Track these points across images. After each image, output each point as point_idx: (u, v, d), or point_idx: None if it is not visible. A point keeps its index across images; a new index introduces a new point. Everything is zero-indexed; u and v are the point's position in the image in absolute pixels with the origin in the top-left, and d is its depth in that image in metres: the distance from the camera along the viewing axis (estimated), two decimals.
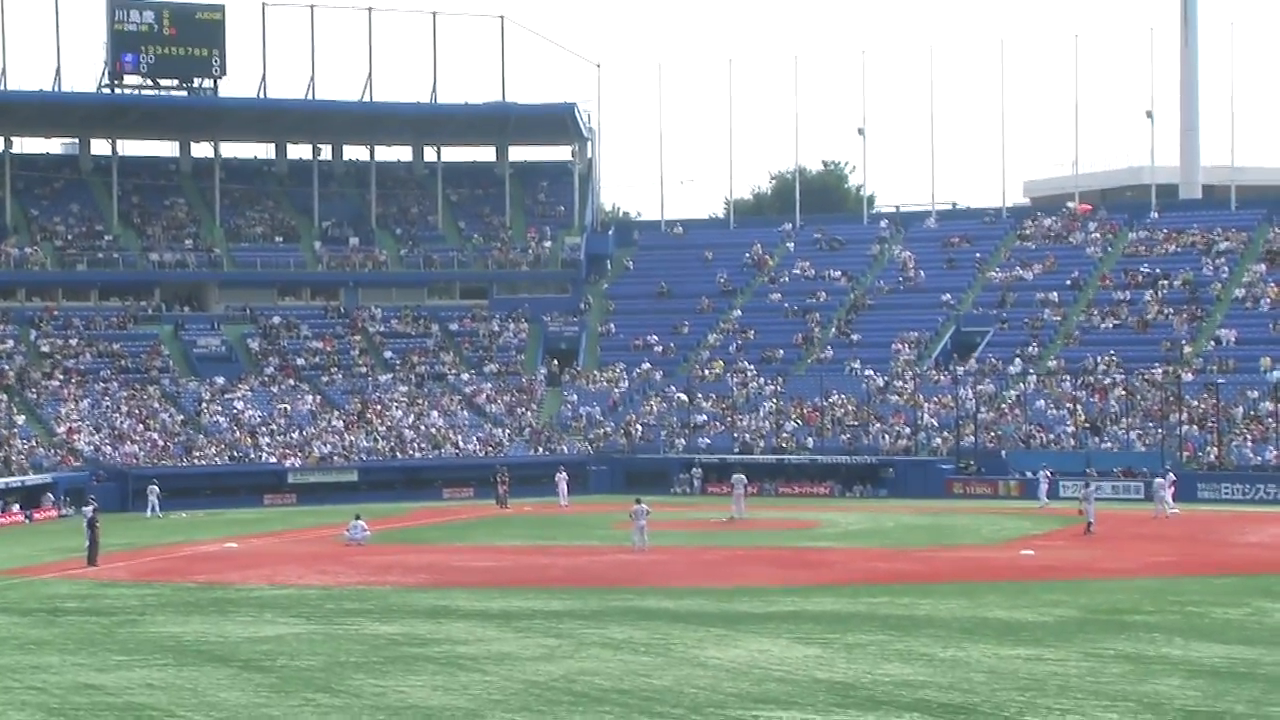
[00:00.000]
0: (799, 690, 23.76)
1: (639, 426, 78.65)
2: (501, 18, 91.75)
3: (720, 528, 56.22)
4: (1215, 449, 67.41)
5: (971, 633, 29.37)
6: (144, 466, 70.05)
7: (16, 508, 64.45)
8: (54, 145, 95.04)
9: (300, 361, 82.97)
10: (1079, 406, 72.28)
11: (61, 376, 77.84)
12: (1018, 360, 77.91)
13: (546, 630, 30.52)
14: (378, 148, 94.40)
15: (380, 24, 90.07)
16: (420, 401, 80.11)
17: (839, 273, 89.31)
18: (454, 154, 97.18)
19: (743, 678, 24.82)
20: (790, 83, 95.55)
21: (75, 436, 72.14)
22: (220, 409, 76.92)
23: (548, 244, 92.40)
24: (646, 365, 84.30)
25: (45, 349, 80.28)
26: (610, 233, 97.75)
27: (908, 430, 73.74)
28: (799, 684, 24.26)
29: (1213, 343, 75.79)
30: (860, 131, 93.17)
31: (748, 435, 76.30)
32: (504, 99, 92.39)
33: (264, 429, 75.23)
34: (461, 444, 76.45)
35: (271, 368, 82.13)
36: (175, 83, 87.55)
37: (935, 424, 74.19)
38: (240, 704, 23.27)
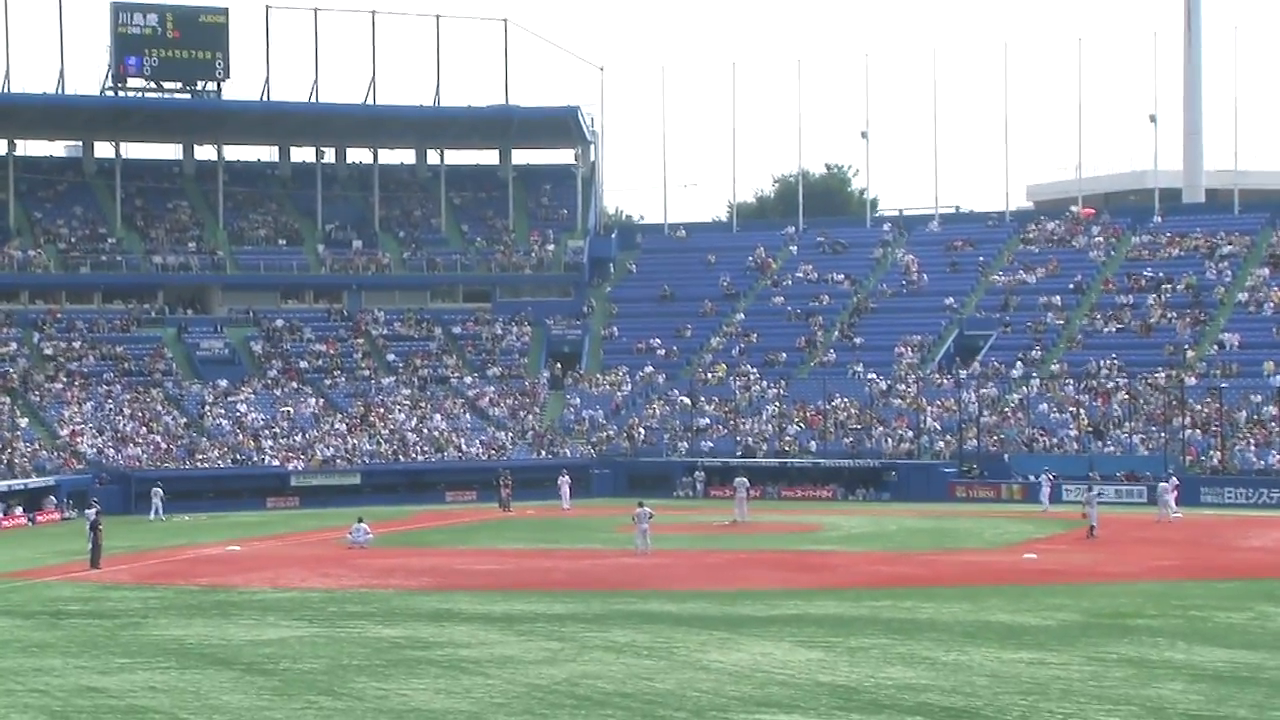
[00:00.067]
0: (802, 694, 23.77)
1: (641, 430, 78.64)
2: (505, 21, 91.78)
3: (723, 531, 56.26)
4: (1218, 453, 67.39)
5: (974, 636, 29.38)
6: (147, 469, 70.06)
7: (19, 510, 64.48)
8: (57, 148, 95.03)
9: (303, 364, 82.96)
10: (1082, 410, 72.26)
11: (64, 379, 77.85)
12: (1020, 364, 77.89)
13: (549, 633, 30.53)
14: (381, 151, 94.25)
15: (384, 27, 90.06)
16: (423, 404, 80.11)
17: (842, 276, 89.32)
18: (457, 157, 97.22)
19: (745, 681, 24.82)
20: (793, 86, 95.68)
21: (78, 439, 72.15)
22: (223, 412, 76.92)
23: (551, 247, 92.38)
24: (649, 368, 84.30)
25: (48, 351, 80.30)
26: (613, 236, 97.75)
27: (910, 434, 73.75)
28: (802, 687, 24.27)
29: (1216, 347, 75.77)
30: (863, 135, 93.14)
31: (750, 438, 76.30)
32: (507, 102, 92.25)
33: (267, 432, 75.22)
34: (464, 447, 76.41)
35: (274, 370, 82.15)
36: (179, 85, 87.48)
37: (938, 427, 74.19)
38: (243, 707, 23.28)
